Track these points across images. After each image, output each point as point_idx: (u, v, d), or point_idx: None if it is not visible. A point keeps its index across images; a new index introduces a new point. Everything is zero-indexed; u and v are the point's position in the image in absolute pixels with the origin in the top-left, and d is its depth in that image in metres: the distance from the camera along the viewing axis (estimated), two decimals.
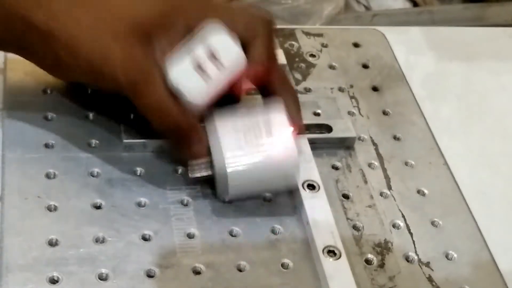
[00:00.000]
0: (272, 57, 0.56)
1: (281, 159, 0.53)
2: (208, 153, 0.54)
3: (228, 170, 0.52)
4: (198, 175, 0.53)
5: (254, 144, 0.53)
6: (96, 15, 0.53)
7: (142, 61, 0.52)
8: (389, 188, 0.58)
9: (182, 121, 0.53)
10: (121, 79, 0.52)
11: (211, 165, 0.53)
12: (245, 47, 0.55)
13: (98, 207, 0.52)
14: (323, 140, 0.60)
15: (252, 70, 0.54)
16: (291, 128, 0.54)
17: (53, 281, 0.48)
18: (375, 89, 0.67)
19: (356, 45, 0.72)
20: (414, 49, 0.73)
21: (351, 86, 0.67)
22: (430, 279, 0.52)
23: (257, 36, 0.55)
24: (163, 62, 0.53)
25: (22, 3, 0.53)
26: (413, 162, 0.61)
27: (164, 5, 0.55)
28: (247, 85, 0.55)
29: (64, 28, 0.52)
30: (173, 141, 0.55)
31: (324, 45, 0.71)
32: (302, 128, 0.57)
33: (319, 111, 0.63)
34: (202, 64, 0.53)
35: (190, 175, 0.53)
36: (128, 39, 0.52)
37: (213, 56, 0.53)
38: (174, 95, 0.53)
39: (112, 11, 0.53)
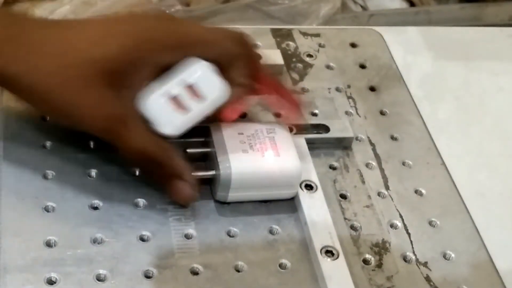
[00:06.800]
0: (256, 72, 0.55)
1: (284, 169, 0.53)
2: (211, 155, 0.54)
3: (233, 171, 0.52)
4: (200, 174, 0.54)
5: (258, 150, 0.53)
6: (59, 61, 0.50)
7: (115, 106, 0.50)
8: (387, 188, 0.58)
9: (166, 161, 0.52)
10: (96, 127, 0.51)
11: (213, 166, 0.53)
12: (224, 71, 0.53)
13: (95, 207, 0.52)
14: (321, 140, 0.60)
15: (234, 96, 0.53)
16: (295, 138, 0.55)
17: (51, 282, 0.48)
18: (372, 89, 0.67)
19: (353, 45, 0.72)
20: (411, 49, 0.73)
21: (349, 86, 0.67)
22: (428, 279, 0.52)
23: (234, 58, 0.53)
24: (137, 100, 0.51)
25: None
26: (410, 162, 0.61)
27: (132, 41, 0.51)
28: (234, 112, 0.54)
29: (26, 75, 0.50)
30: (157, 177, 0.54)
31: (321, 45, 0.71)
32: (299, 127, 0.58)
33: (316, 111, 0.63)
34: (179, 97, 0.51)
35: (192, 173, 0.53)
36: (97, 83, 0.50)
37: (191, 89, 0.51)
38: (154, 132, 0.51)
39: (76, 54, 0.50)
